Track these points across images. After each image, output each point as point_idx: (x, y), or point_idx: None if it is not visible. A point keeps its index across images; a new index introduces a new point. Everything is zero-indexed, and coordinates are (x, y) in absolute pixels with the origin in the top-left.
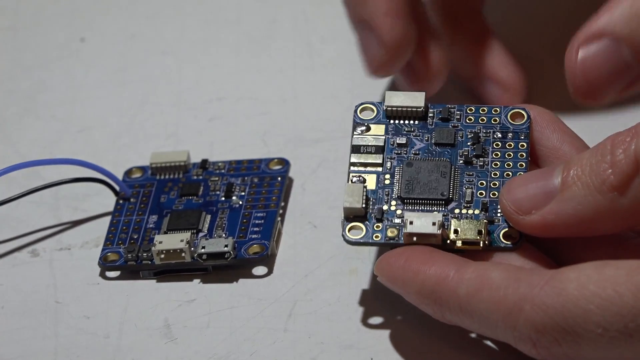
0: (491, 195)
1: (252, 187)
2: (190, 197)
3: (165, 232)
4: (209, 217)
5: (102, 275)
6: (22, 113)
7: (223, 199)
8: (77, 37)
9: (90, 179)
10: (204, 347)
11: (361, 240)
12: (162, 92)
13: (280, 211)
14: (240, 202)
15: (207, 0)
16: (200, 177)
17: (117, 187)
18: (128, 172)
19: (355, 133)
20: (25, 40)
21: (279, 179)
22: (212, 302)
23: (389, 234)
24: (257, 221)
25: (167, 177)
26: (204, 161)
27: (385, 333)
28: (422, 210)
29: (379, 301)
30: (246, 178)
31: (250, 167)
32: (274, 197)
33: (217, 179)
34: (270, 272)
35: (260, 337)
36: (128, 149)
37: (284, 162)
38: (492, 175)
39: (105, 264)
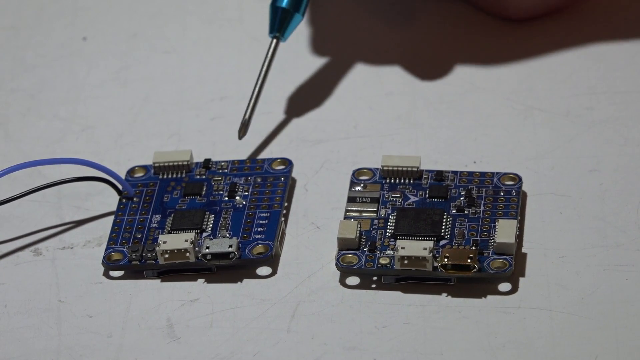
0: (482, 236)
1: (255, 187)
2: (194, 197)
3: (169, 232)
4: (212, 217)
5: (105, 274)
6: (24, 112)
7: (227, 198)
8: (79, 36)
9: (92, 178)
10: (206, 347)
11: (354, 268)
12: (164, 91)
13: (284, 212)
14: (244, 202)
15: None
16: (204, 177)
17: (120, 186)
18: (130, 172)
19: (351, 189)
20: (28, 39)
21: (282, 179)
22: (216, 302)
23: (382, 261)
24: (260, 221)
25: (169, 176)
26: (207, 160)
27: (388, 334)
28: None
29: (382, 302)
30: (249, 178)
31: (253, 167)
32: (277, 198)
33: (220, 178)
34: (274, 272)
35: (263, 338)
36: (130, 148)
37: (287, 162)
38: (484, 221)
39: (109, 264)
